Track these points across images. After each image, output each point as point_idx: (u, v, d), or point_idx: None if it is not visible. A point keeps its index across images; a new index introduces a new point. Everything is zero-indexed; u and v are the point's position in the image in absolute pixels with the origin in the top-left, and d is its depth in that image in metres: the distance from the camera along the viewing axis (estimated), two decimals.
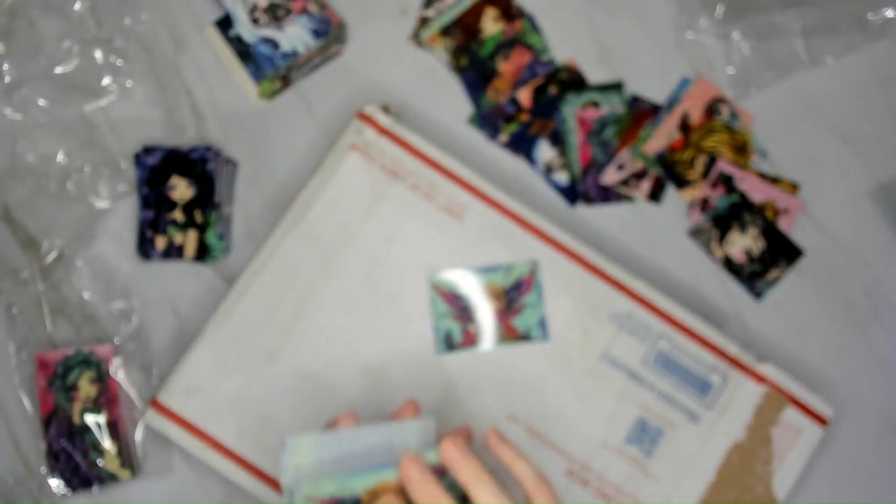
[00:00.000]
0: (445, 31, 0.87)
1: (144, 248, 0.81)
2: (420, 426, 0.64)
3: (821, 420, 0.80)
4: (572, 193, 0.86)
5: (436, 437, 0.64)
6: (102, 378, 0.79)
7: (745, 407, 0.79)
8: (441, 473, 0.61)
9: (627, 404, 0.79)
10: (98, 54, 0.84)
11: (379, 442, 0.63)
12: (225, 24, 0.83)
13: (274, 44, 0.82)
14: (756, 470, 0.79)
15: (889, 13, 0.88)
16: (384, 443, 0.63)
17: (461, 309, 0.79)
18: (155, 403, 0.77)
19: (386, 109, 0.82)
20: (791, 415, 0.79)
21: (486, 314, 0.79)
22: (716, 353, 0.79)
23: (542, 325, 0.79)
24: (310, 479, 0.60)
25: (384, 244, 0.80)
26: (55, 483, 0.79)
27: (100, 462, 0.79)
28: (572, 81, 0.87)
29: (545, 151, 0.86)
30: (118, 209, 0.83)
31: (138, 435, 0.81)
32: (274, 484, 0.77)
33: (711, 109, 0.87)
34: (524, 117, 0.86)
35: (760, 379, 0.79)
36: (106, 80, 0.84)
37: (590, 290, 0.80)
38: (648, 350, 0.79)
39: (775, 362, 0.82)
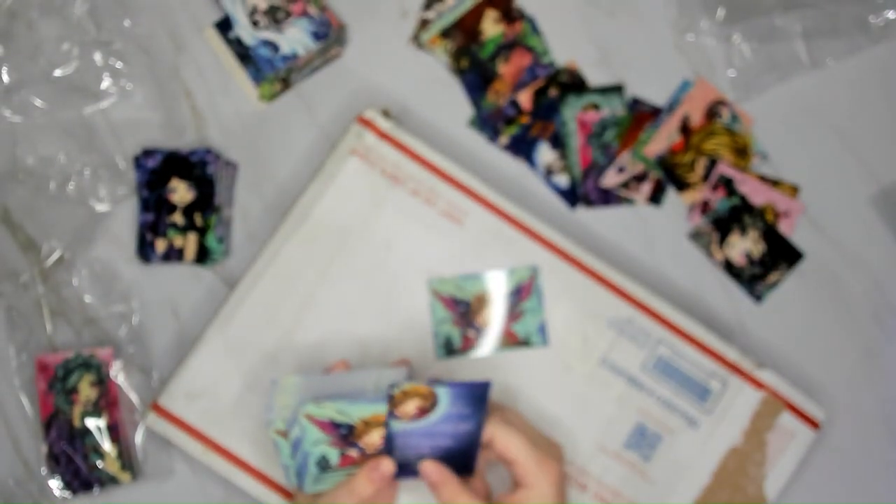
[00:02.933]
0: (446, 34, 0.87)
1: (144, 250, 0.81)
2: (393, 373, 0.71)
3: (813, 423, 0.80)
4: (573, 196, 0.86)
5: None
6: (103, 381, 0.79)
7: (744, 412, 0.79)
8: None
9: (627, 410, 0.79)
10: (97, 56, 0.84)
11: (358, 386, 0.69)
12: (224, 26, 0.83)
13: (274, 46, 0.82)
14: (749, 472, 0.79)
15: (890, 15, 0.88)
16: (361, 386, 0.69)
17: (461, 314, 0.79)
18: (156, 407, 0.77)
19: (386, 114, 0.82)
20: (786, 419, 0.79)
21: (485, 320, 0.80)
22: (715, 358, 0.79)
23: (542, 330, 0.79)
24: (314, 401, 0.66)
25: (384, 249, 0.80)
26: (55, 485, 0.79)
27: (100, 465, 0.79)
28: (573, 84, 0.87)
29: (545, 154, 0.86)
30: (118, 212, 0.83)
31: (138, 438, 0.81)
32: (276, 487, 0.77)
33: (712, 112, 0.87)
34: (525, 120, 0.86)
35: (759, 385, 0.79)
36: (105, 83, 0.84)
37: (590, 296, 0.80)
38: (648, 356, 0.79)
39: (774, 365, 0.83)
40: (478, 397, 0.66)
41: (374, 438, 0.67)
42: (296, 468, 0.68)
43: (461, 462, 0.69)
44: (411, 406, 0.66)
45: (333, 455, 0.67)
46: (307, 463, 0.68)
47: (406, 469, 0.69)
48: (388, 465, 0.68)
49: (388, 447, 0.68)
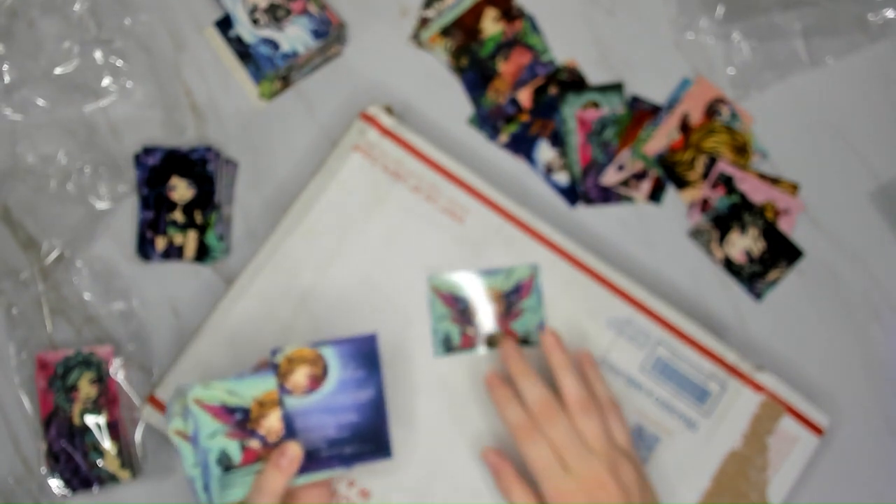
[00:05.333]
0: (446, 32, 0.87)
1: (144, 248, 0.81)
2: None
3: (817, 429, 0.79)
4: (572, 194, 0.86)
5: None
6: (102, 379, 0.79)
7: (743, 415, 0.79)
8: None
9: (625, 411, 0.79)
10: (98, 55, 0.84)
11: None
12: (225, 24, 0.83)
13: (274, 44, 0.82)
14: (751, 478, 0.78)
15: (889, 14, 0.88)
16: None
17: (460, 311, 0.79)
18: (153, 400, 0.77)
19: (389, 110, 0.82)
20: (787, 424, 0.79)
21: (485, 317, 0.79)
22: (714, 360, 0.79)
23: (542, 329, 0.79)
24: (201, 383, 0.63)
25: (385, 245, 0.80)
26: (55, 483, 0.79)
27: (100, 463, 0.79)
28: (572, 82, 0.87)
29: (545, 152, 0.86)
30: (118, 210, 0.83)
31: (138, 435, 0.81)
32: None
33: (712, 110, 0.87)
34: (524, 118, 0.86)
35: (758, 387, 0.79)
36: (106, 81, 0.84)
37: (589, 296, 0.80)
38: (647, 356, 0.79)
39: (774, 363, 0.83)
40: (368, 354, 0.65)
41: (273, 422, 0.65)
42: (202, 478, 0.65)
43: (373, 437, 0.68)
44: (301, 375, 0.65)
45: (234, 449, 0.65)
46: (208, 463, 0.64)
47: (317, 459, 0.67)
48: (294, 449, 0.66)
49: (290, 430, 0.66)
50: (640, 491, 0.69)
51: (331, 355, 0.65)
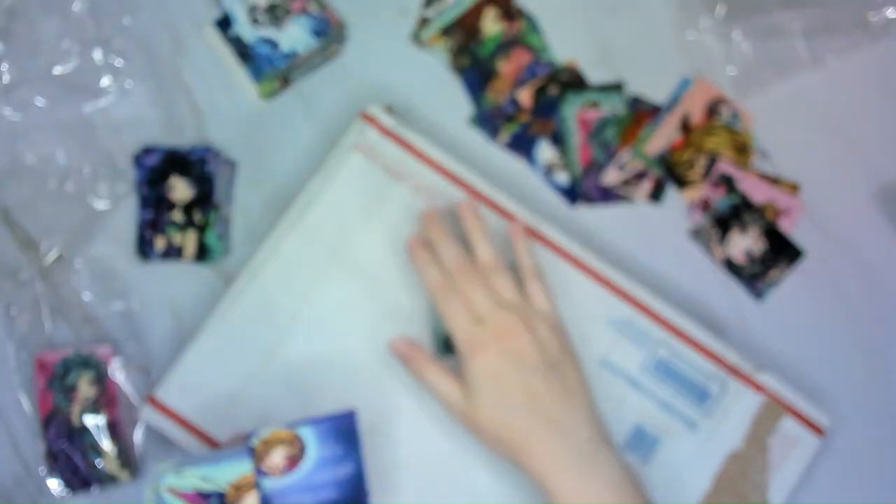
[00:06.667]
0: (446, 32, 0.87)
1: (144, 248, 0.81)
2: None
3: (817, 430, 0.79)
4: (573, 194, 0.85)
5: None
6: (102, 379, 0.79)
7: (743, 416, 0.79)
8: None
9: (625, 411, 0.79)
10: (97, 54, 0.84)
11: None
12: (224, 24, 0.83)
13: (273, 44, 0.82)
14: (752, 479, 0.78)
15: (890, 13, 0.88)
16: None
17: None
18: (152, 400, 0.77)
19: (389, 110, 0.82)
20: (788, 424, 0.79)
21: None
22: (715, 361, 0.79)
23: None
24: (174, 471, 0.62)
25: (385, 245, 0.79)
26: (54, 484, 0.79)
27: (99, 463, 0.79)
28: (573, 82, 0.87)
29: (545, 152, 0.86)
30: (117, 210, 0.83)
31: (138, 436, 0.81)
32: None
33: (712, 110, 0.86)
34: (524, 118, 0.86)
35: (759, 388, 0.79)
36: (105, 81, 0.84)
37: (590, 296, 0.79)
38: (647, 357, 0.79)
39: (775, 363, 0.82)
40: (346, 431, 0.65)
41: None
42: None
43: None
44: (278, 457, 0.64)
45: None
46: None
47: None
48: None
49: None
50: (559, 350, 0.73)
51: (308, 435, 0.64)
